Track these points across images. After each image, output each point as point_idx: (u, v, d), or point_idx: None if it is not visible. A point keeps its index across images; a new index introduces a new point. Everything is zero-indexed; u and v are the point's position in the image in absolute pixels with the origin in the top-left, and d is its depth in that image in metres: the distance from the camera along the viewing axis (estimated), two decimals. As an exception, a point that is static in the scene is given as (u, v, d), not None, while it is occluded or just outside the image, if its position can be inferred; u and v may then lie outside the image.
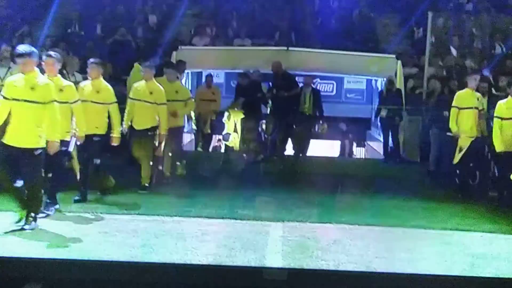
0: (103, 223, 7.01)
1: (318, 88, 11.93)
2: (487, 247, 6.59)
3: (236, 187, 8.68)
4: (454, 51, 13.12)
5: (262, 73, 11.45)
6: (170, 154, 8.96)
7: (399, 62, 11.96)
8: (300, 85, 11.15)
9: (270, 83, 11.39)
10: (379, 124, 12.02)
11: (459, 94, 9.12)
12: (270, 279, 5.06)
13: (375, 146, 13.40)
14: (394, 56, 12.16)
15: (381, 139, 12.07)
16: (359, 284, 5.16)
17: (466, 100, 8.97)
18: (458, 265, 5.96)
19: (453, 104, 9.03)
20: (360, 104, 14.19)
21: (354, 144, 15.30)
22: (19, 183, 6.43)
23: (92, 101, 7.79)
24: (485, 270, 5.81)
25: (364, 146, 14.98)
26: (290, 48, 11.96)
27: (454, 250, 6.45)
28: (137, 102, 8.51)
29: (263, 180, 9.69)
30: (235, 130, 10.74)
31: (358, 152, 15.17)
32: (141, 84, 8.56)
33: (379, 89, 12.78)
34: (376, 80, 13.24)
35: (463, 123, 8.91)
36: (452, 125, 8.97)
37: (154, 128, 8.51)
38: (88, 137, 7.56)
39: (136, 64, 9.95)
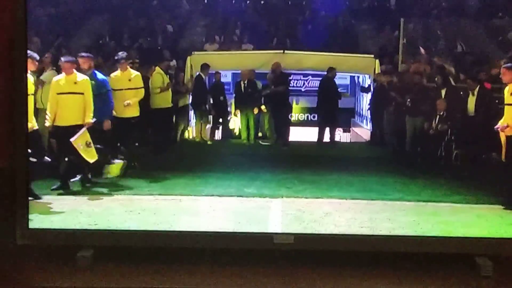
0: (129, 203, 6.76)
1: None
2: (455, 216, 6.37)
3: (242, 169, 8.39)
4: (422, 50, 12.85)
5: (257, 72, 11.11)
6: None
7: (377, 60, 11.69)
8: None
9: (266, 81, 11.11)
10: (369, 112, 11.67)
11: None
12: (279, 242, 5.00)
13: (358, 132, 13.20)
14: (372, 55, 11.87)
15: (364, 125, 11.79)
16: (356, 245, 5.05)
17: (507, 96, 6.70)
18: (432, 232, 5.74)
19: None
20: (345, 97, 13.92)
21: (341, 130, 15.08)
22: None
23: None
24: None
25: (349, 131, 14.73)
26: (286, 51, 11.66)
27: (427, 218, 6.23)
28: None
29: (265, 163, 9.40)
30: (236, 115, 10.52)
31: (344, 137, 14.92)
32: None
33: (361, 84, 12.51)
34: (358, 77, 12.98)
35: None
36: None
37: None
38: None
39: (156, 68, 9.64)
